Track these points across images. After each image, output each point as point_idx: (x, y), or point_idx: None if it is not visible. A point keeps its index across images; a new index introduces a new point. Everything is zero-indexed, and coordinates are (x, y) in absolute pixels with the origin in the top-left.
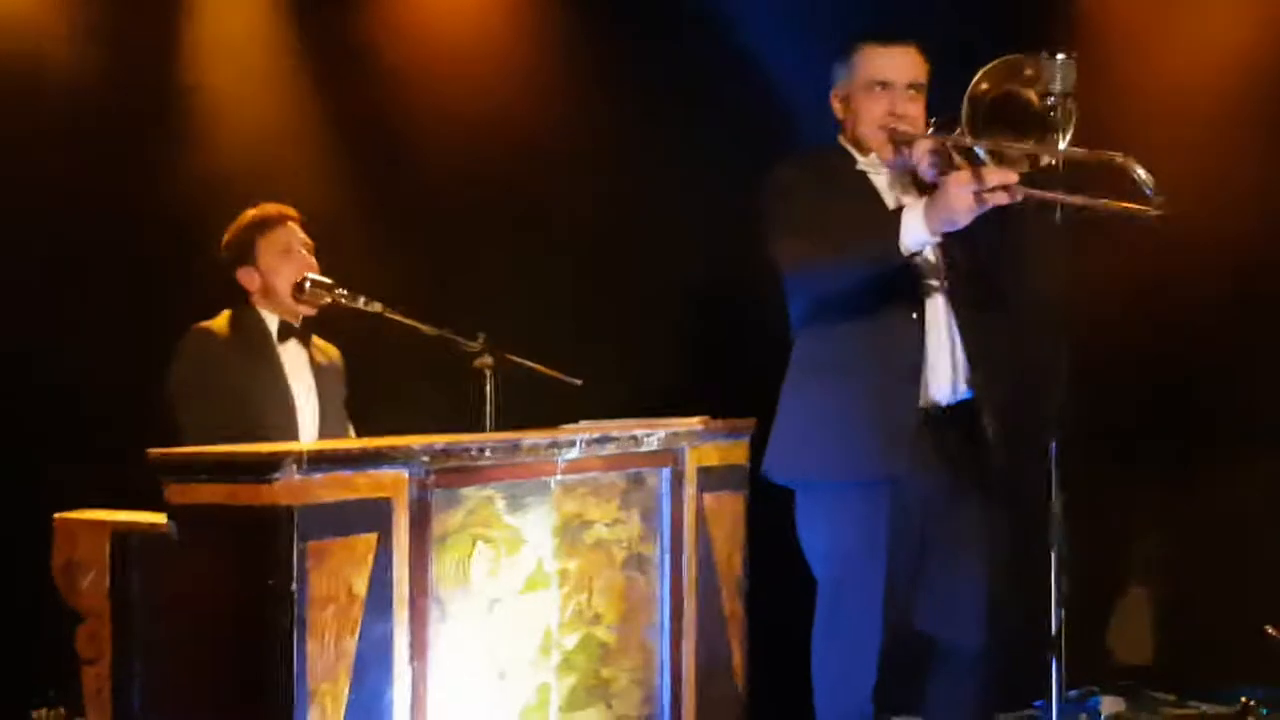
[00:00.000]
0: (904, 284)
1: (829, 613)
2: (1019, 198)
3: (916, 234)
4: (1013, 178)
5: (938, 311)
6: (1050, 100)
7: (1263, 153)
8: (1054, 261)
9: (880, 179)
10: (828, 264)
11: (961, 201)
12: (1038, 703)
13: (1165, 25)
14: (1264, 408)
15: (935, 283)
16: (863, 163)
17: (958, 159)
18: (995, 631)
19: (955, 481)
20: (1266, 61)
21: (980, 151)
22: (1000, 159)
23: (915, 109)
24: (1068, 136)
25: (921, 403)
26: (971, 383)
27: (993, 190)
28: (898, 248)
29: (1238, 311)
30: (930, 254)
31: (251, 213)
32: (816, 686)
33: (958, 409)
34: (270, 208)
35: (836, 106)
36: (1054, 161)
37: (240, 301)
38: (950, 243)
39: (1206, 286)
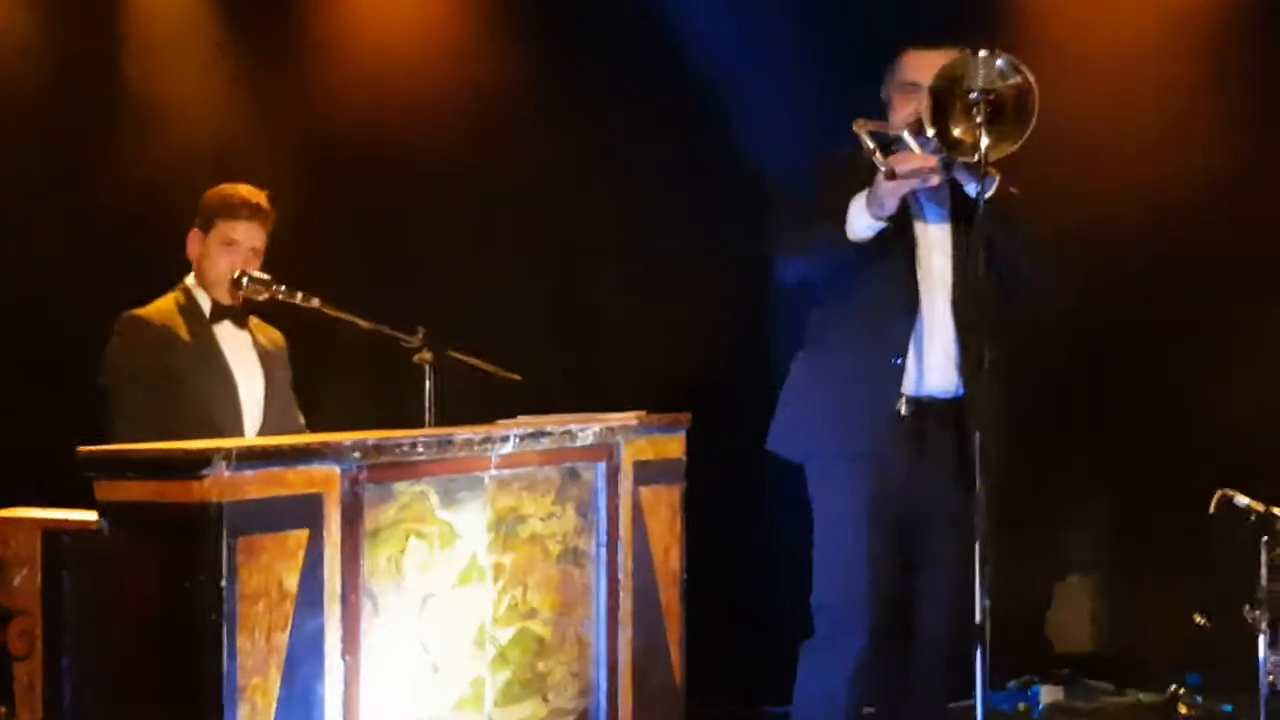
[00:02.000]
0: (904, 273)
1: (822, 584)
2: (933, 182)
3: (857, 216)
4: (931, 162)
5: (939, 304)
6: (974, 96)
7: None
8: (1043, 255)
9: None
10: (794, 247)
11: (882, 186)
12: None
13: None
14: (1197, 399)
15: (940, 279)
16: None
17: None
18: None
19: (944, 474)
20: (1204, 31)
21: (908, 138)
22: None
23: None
24: (1028, 127)
25: (915, 392)
26: (965, 380)
27: (910, 174)
28: (844, 234)
29: (1171, 295)
30: (942, 246)
31: (231, 189)
32: (801, 659)
33: (952, 402)
34: (249, 196)
35: (885, 106)
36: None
37: (175, 283)
38: (963, 237)
39: (1141, 271)
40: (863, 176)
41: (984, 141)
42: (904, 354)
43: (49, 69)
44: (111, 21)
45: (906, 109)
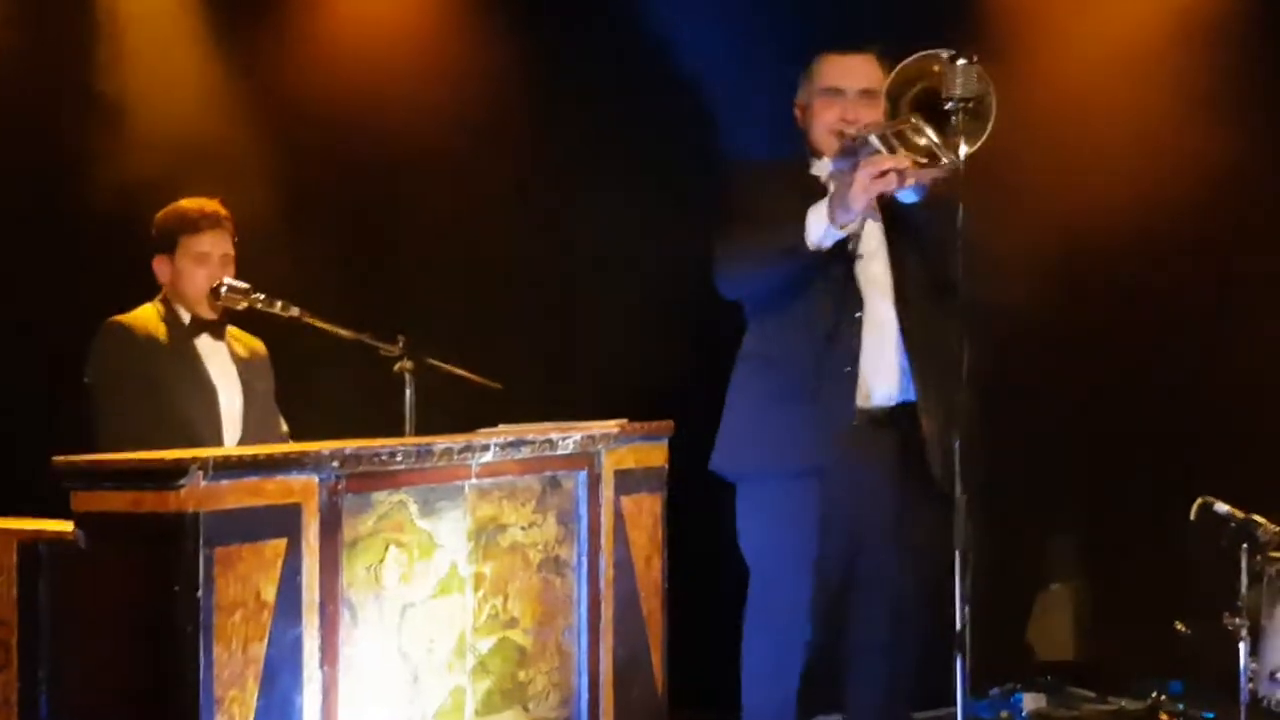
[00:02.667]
0: (846, 281)
1: (759, 605)
2: (908, 183)
3: (818, 227)
4: (904, 163)
5: (880, 312)
6: (950, 104)
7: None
8: (954, 259)
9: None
10: (743, 253)
11: (852, 189)
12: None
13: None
14: (1177, 406)
15: (880, 284)
16: (816, 166)
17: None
18: (920, 632)
19: (890, 481)
20: (1169, 43)
21: (875, 141)
22: (906, 147)
23: (868, 114)
24: (983, 135)
25: (860, 402)
26: (915, 385)
27: (881, 175)
28: (804, 243)
29: (1151, 302)
30: (878, 253)
31: (186, 204)
32: (745, 678)
33: (898, 408)
34: (206, 207)
35: (797, 115)
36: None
37: (155, 294)
38: (898, 242)
39: (1120, 278)
40: (802, 184)
41: (964, 147)
42: (854, 363)
43: (22, 70)
44: (89, 25)
45: (829, 113)
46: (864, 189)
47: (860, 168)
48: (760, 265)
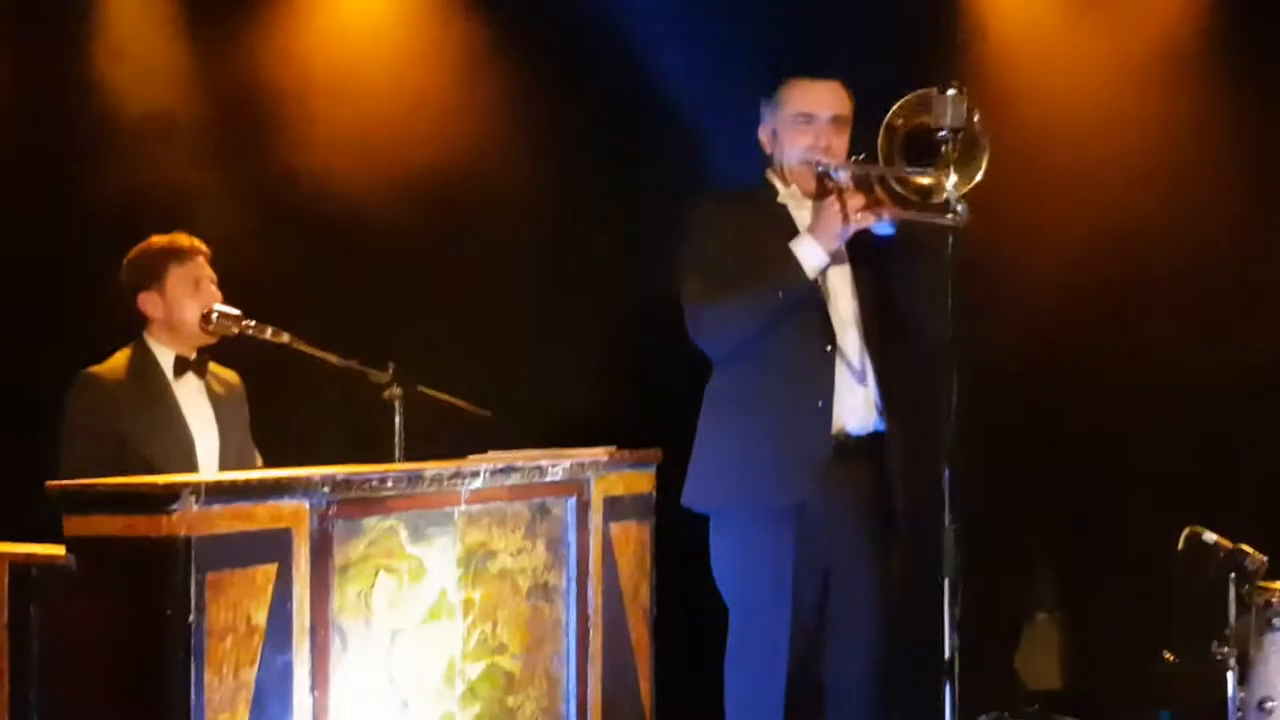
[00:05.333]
0: (817, 317)
1: (738, 639)
2: (886, 217)
3: (812, 253)
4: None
5: (850, 344)
6: (943, 134)
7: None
8: (942, 291)
9: (802, 213)
10: (733, 303)
11: (837, 216)
12: None
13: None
14: (1165, 435)
15: (847, 317)
16: (784, 194)
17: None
18: (897, 661)
19: (860, 512)
20: (1154, 69)
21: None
22: (904, 187)
23: (839, 141)
24: (979, 165)
25: (833, 431)
26: (883, 415)
27: (863, 209)
28: (798, 275)
29: (1138, 332)
30: (844, 288)
31: (163, 239)
32: (728, 712)
33: (867, 440)
34: (183, 238)
35: (764, 141)
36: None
37: (136, 335)
38: (863, 276)
39: (1107, 308)
40: (769, 214)
41: (950, 180)
42: (827, 397)
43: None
44: (77, 60)
45: (802, 140)
46: (857, 217)
47: (849, 196)
48: (749, 317)
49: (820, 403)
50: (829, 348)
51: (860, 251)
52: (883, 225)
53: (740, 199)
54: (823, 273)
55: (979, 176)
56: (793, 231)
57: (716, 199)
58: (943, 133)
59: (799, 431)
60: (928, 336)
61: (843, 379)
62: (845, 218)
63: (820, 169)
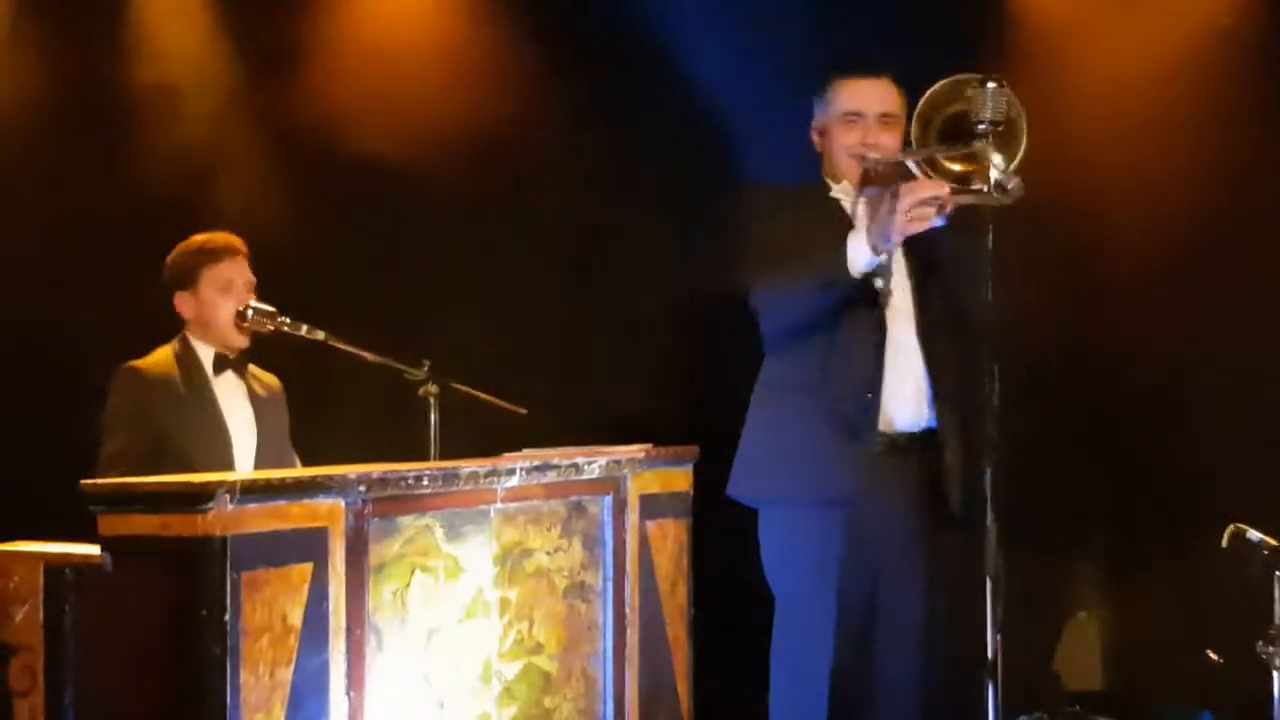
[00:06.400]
0: (868, 309)
1: (783, 632)
2: (947, 209)
3: (859, 252)
4: (944, 189)
5: (902, 338)
6: (981, 127)
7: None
8: (983, 285)
9: (856, 208)
10: (784, 286)
11: (895, 218)
12: None
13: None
14: (1208, 431)
15: (902, 309)
16: (836, 190)
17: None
18: (944, 660)
19: (914, 511)
20: (1194, 63)
21: (913, 166)
22: (937, 173)
23: (888, 138)
24: (1016, 157)
25: (883, 428)
26: (937, 412)
27: (922, 204)
28: (845, 269)
29: (1178, 326)
30: (900, 280)
31: (200, 238)
32: (772, 705)
33: (920, 436)
34: (219, 238)
35: (816, 140)
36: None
37: (176, 331)
38: (922, 270)
39: (1148, 302)
40: (826, 209)
41: (994, 170)
42: (876, 390)
43: (43, 86)
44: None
45: (850, 137)
46: (907, 218)
47: (901, 196)
48: (804, 297)
49: (869, 395)
50: (880, 340)
51: (916, 242)
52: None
53: (801, 195)
54: (876, 269)
55: (1017, 160)
56: (848, 225)
57: (772, 190)
58: (982, 125)
59: (846, 424)
60: (980, 330)
61: (894, 373)
62: (896, 222)
63: (867, 164)
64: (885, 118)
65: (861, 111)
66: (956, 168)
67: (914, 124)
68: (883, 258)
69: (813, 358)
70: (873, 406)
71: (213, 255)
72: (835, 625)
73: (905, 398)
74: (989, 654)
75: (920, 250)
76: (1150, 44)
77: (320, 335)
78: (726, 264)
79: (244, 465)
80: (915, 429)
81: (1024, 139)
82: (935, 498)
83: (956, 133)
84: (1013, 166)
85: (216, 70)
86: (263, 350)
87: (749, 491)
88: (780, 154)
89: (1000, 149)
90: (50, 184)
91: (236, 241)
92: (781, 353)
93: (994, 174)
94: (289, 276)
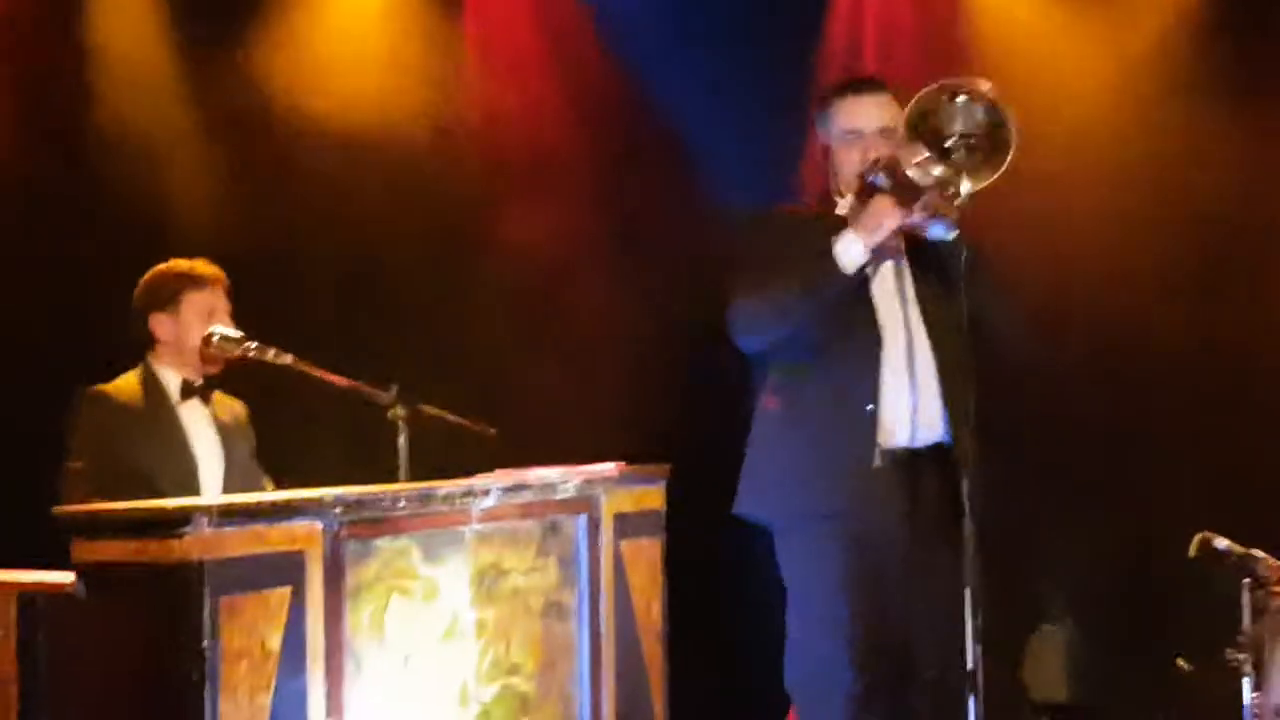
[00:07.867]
0: (863, 323)
1: (791, 655)
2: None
3: (852, 249)
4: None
5: (899, 353)
6: (953, 140)
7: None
8: (958, 293)
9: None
10: (768, 301)
11: (873, 213)
12: None
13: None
14: (1173, 442)
15: (900, 321)
16: (841, 206)
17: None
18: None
19: (921, 525)
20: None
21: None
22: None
23: (889, 151)
24: (998, 168)
25: (882, 442)
26: (949, 426)
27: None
28: (834, 270)
29: (1144, 341)
30: (896, 293)
31: (184, 264)
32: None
33: (930, 451)
34: (205, 265)
35: (819, 157)
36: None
37: (141, 356)
38: (924, 283)
39: (1113, 317)
40: (829, 225)
41: (964, 184)
42: (874, 401)
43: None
44: (75, 73)
45: (853, 155)
46: (886, 208)
47: (880, 192)
48: (785, 304)
49: (869, 406)
50: (876, 353)
51: (919, 254)
52: (938, 228)
53: (803, 216)
54: (868, 273)
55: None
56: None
57: (779, 214)
58: (952, 139)
59: (841, 439)
60: (993, 345)
61: (888, 387)
62: (888, 213)
63: (869, 180)
64: (884, 131)
65: (860, 129)
66: (937, 172)
67: (903, 130)
68: (868, 252)
69: (809, 373)
70: (871, 420)
71: (197, 281)
72: (844, 643)
73: (900, 414)
74: (968, 664)
75: (924, 265)
76: (1104, 54)
77: (288, 359)
78: (700, 285)
79: (211, 491)
80: (924, 444)
81: (1010, 147)
82: (936, 512)
83: (937, 141)
84: (997, 174)
85: (182, 96)
86: (232, 370)
87: (752, 508)
88: (754, 181)
89: (982, 159)
90: (27, 213)
91: (220, 273)
92: (779, 369)
93: (962, 189)
94: (256, 301)
